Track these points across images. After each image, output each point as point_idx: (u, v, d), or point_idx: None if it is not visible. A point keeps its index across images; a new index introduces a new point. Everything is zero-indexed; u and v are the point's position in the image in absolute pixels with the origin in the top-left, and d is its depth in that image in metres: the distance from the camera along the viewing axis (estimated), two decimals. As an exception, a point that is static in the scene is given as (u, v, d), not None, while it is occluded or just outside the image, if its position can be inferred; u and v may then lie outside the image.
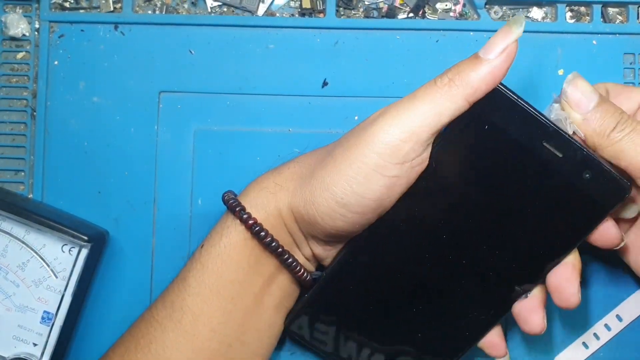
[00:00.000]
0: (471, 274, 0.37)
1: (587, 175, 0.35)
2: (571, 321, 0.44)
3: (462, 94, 0.34)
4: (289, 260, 0.38)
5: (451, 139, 0.35)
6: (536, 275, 0.37)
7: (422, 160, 0.35)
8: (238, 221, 0.38)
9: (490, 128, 0.35)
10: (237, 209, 0.38)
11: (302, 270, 0.39)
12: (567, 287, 0.36)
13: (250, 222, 0.37)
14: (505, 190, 0.36)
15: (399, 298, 0.39)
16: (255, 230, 0.37)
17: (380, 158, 0.34)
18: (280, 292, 0.40)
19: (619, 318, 0.42)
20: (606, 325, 0.43)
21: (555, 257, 0.36)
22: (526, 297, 0.37)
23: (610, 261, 0.43)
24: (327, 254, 0.39)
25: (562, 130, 0.35)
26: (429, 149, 0.35)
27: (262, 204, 0.38)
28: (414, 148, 0.34)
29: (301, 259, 0.40)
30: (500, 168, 0.35)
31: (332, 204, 0.35)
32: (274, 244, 0.38)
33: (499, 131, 0.35)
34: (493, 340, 0.39)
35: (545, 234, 0.36)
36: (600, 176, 0.35)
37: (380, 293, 0.39)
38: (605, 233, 0.36)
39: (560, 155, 0.34)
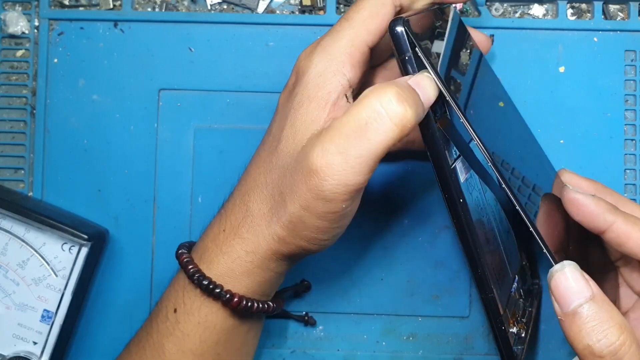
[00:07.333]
0: None
1: None
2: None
3: (409, 129, 0.31)
4: (277, 310, 0.38)
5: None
6: None
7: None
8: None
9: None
10: (215, 291, 0.36)
11: (278, 306, 0.39)
12: None
13: (235, 300, 0.36)
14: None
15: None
16: (243, 306, 0.36)
17: (343, 202, 0.32)
18: (259, 324, 0.40)
19: None
20: None
21: None
22: None
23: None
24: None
25: None
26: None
27: (244, 274, 0.36)
28: (368, 178, 0.32)
29: (283, 279, 0.39)
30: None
31: (322, 241, 0.35)
32: (262, 306, 0.37)
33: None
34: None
35: None
36: None
37: None
38: None
39: None
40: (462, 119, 0.33)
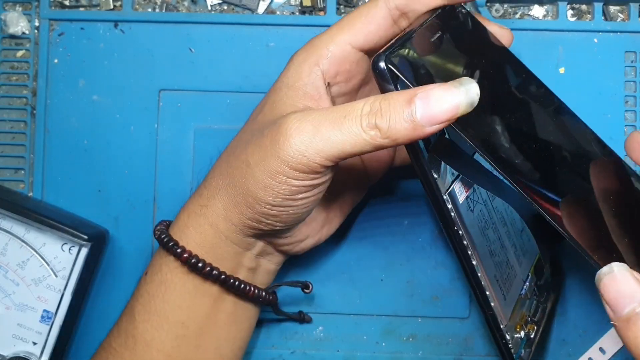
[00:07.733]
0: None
1: None
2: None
3: (385, 144, 0.32)
4: (233, 282, 0.38)
5: None
6: None
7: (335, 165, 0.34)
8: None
9: None
10: (169, 245, 0.37)
11: (249, 288, 0.39)
12: None
13: (184, 256, 0.36)
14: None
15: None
16: (192, 264, 0.37)
17: (294, 171, 0.33)
18: (232, 306, 0.39)
19: (602, 351, 0.42)
20: (590, 359, 0.42)
21: None
22: None
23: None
24: (289, 241, 0.39)
25: None
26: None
27: (195, 228, 0.37)
28: (325, 165, 0.33)
29: (253, 264, 0.39)
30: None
31: (268, 207, 0.35)
32: (214, 272, 0.37)
33: None
34: None
35: None
36: None
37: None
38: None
39: None
40: (467, 141, 0.31)
